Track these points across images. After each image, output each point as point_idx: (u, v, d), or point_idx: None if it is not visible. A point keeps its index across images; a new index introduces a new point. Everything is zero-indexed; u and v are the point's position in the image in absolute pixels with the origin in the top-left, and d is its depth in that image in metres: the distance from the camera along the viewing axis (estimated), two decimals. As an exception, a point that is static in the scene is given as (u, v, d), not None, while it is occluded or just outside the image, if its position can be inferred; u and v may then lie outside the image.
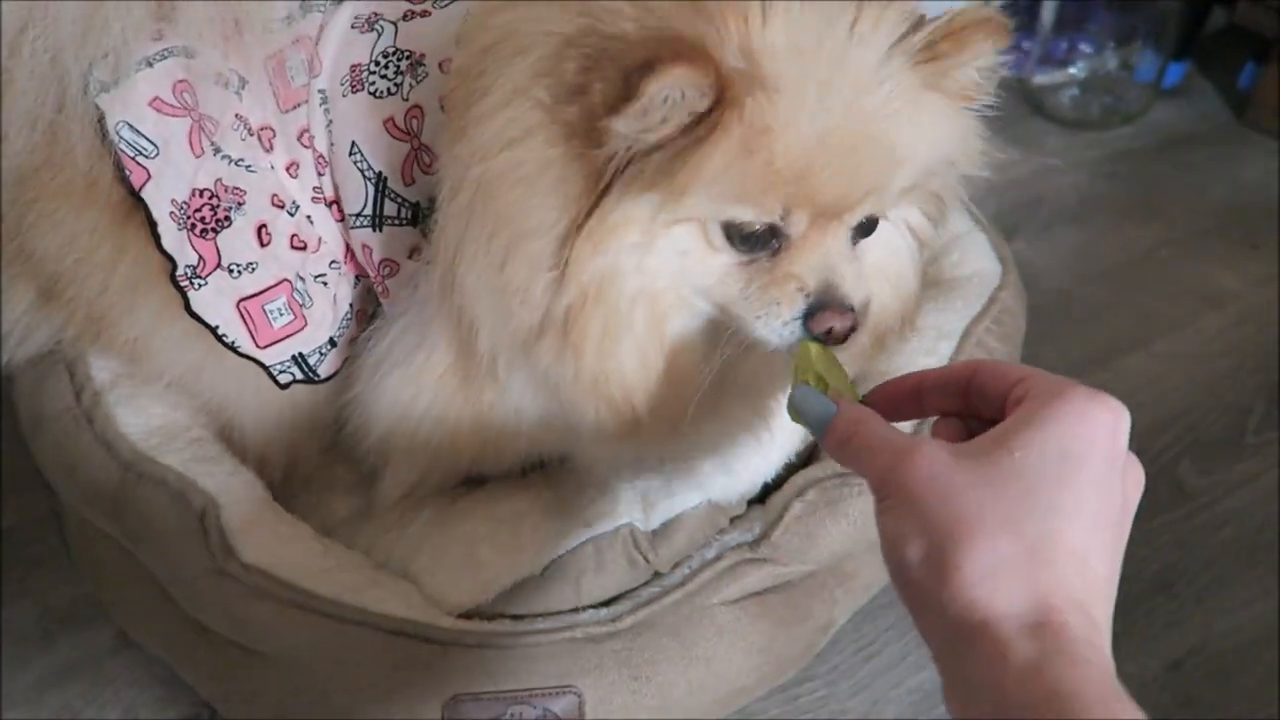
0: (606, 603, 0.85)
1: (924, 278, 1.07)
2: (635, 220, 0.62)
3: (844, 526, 0.84)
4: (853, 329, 0.64)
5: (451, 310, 0.69)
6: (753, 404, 0.78)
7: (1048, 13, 1.71)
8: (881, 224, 0.71)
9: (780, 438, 0.89)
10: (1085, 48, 1.74)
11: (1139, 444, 1.19)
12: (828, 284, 0.64)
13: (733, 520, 0.88)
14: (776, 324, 0.65)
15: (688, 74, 0.57)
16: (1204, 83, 1.84)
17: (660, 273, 0.65)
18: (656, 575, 0.86)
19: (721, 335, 0.68)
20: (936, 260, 1.08)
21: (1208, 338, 1.34)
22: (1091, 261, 1.46)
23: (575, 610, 0.84)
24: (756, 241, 0.64)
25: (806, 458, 0.91)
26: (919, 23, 0.63)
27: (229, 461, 0.84)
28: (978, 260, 1.07)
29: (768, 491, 0.89)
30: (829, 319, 0.64)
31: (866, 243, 0.70)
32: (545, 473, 0.91)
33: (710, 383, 0.72)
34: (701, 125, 0.59)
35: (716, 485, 0.86)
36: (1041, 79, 1.77)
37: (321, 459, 0.96)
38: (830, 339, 0.64)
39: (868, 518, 0.85)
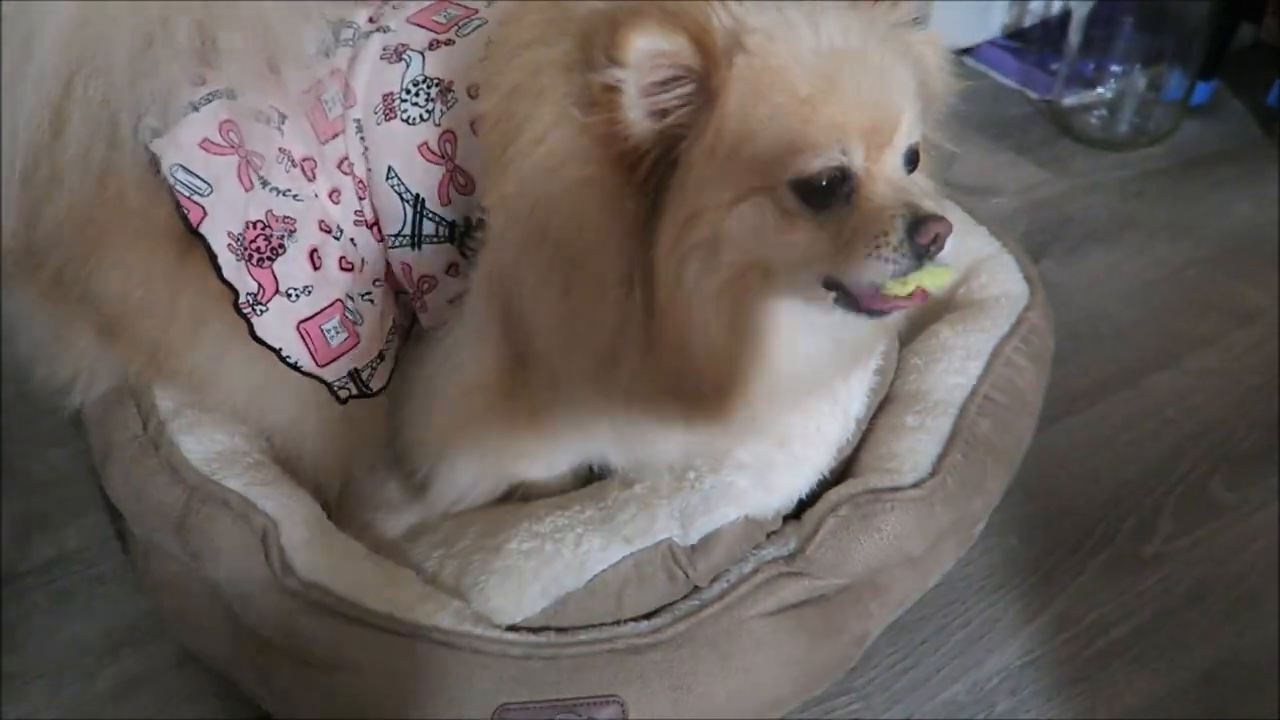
0: (647, 615, 0.88)
1: (953, 300, 1.11)
2: (700, 213, 0.67)
3: (877, 541, 0.87)
4: (949, 229, 0.68)
5: (505, 329, 0.73)
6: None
7: (1075, 34, 1.73)
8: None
9: (813, 455, 0.92)
10: (1113, 68, 1.76)
11: (1169, 462, 1.21)
12: (914, 201, 0.69)
13: (769, 535, 0.91)
14: (889, 252, 0.68)
15: (660, 30, 0.64)
16: (1232, 100, 1.86)
17: (737, 261, 0.69)
18: (695, 589, 0.89)
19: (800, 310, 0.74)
20: (965, 282, 1.11)
21: (1236, 354, 1.35)
22: (1120, 281, 1.48)
23: (617, 623, 0.88)
24: (829, 193, 0.68)
25: (840, 474, 0.94)
26: None
27: (286, 484, 0.88)
28: (1005, 282, 1.10)
29: (803, 507, 0.92)
30: (934, 227, 0.67)
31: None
32: (587, 491, 0.94)
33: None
34: (710, 91, 0.66)
35: (753, 501, 0.90)
36: (1070, 100, 1.80)
37: (373, 478, 1.00)
38: (936, 245, 0.68)
39: (900, 532, 0.88)
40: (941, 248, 0.68)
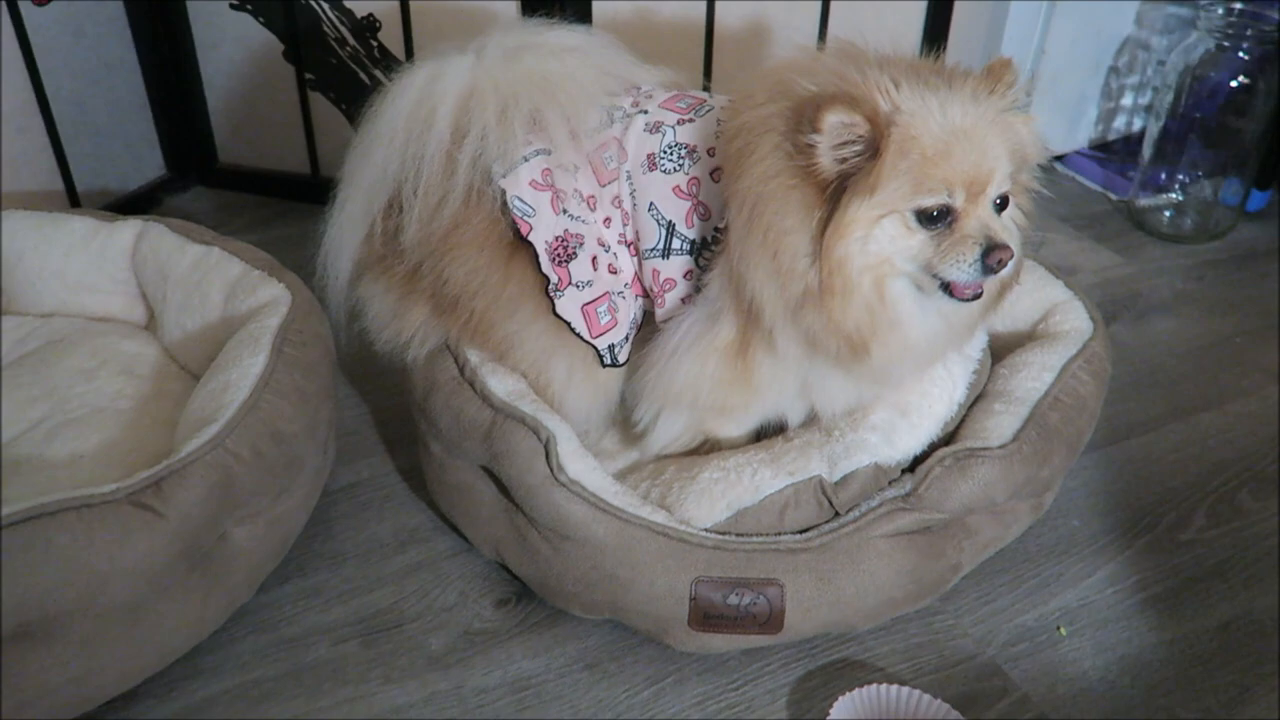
0: (800, 531, 1.22)
1: (1034, 333, 1.46)
2: (858, 220, 1.05)
3: (971, 485, 1.19)
4: (1011, 256, 1.06)
5: (739, 300, 1.11)
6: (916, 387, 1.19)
7: (1148, 148, 2.08)
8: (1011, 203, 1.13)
9: (926, 424, 1.26)
10: (1181, 177, 2.10)
11: (1207, 477, 1.56)
12: (990, 235, 1.06)
13: (891, 482, 1.25)
14: (964, 266, 1.06)
15: (845, 110, 1.01)
16: (1284, 207, 2.18)
17: (878, 253, 1.07)
18: (836, 514, 1.22)
19: (917, 295, 1.11)
20: (1044, 320, 1.45)
21: (1271, 404, 1.65)
22: (1178, 343, 1.80)
23: (779, 534, 1.22)
24: (936, 219, 1.06)
25: (945, 441, 1.27)
26: (979, 77, 1.09)
27: (556, 415, 1.25)
28: (1075, 320, 1.43)
29: (916, 463, 1.25)
30: (998, 254, 1.05)
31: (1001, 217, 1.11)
32: (760, 444, 1.30)
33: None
34: (874, 148, 1.03)
35: (881, 453, 1.24)
36: (1144, 201, 2.14)
37: (595, 433, 1.37)
38: (999, 267, 1.06)
39: (988, 480, 1.20)
40: (1005, 267, 1.06)
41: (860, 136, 1.04)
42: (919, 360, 1.19)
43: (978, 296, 1.10)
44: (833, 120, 1.02)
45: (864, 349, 1.11)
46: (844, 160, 1.05)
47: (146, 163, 2.13)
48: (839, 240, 1.05)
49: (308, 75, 2.02)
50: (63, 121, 1.88)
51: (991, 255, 1.05)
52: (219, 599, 1.20)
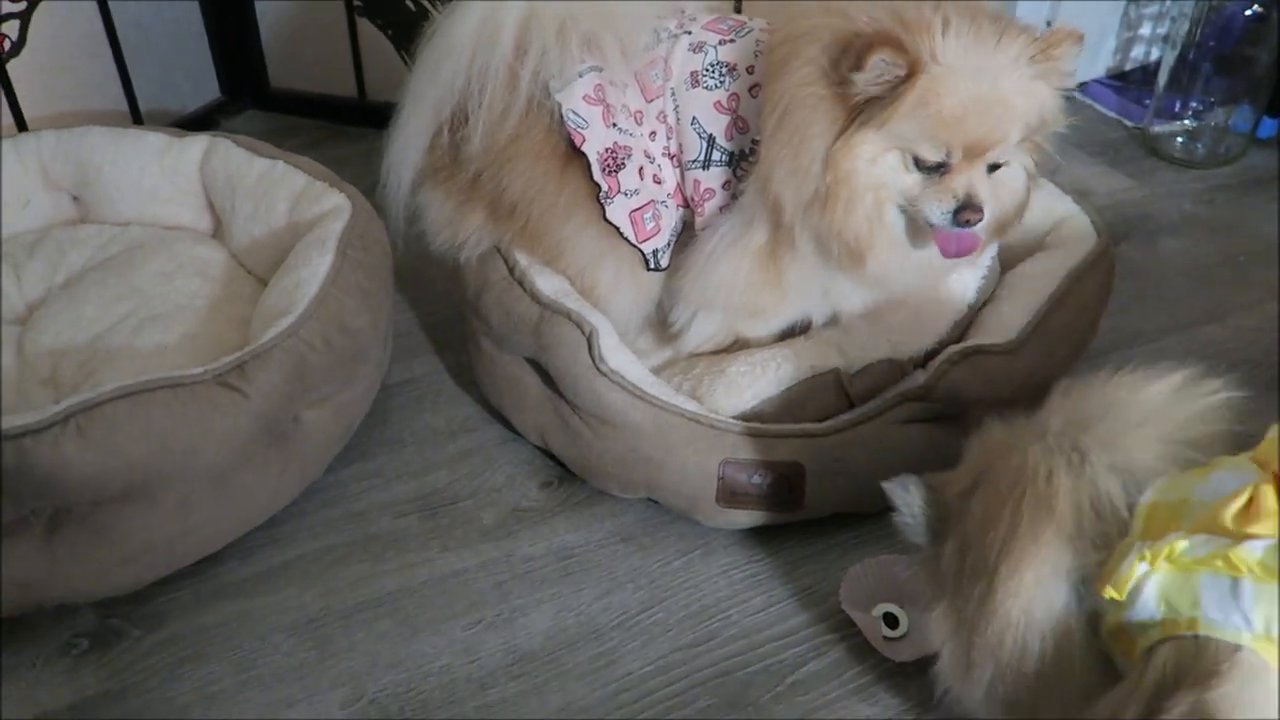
0: (820, 419, 1.34)
1: (1044, 243, 1.55)
2: (868, 143, 1.14)
3: (978, 379, 1.30)
4: (980, 219, 1.15)
5: (768, 203, 1.21)
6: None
7: (1164, 76, 2.15)
8: (1007, 165, 1.21)
9: (938, 324, 1.37)
10: (1195, 104, 2.16)
11: None
12: (969, 194, 1.15)
13: (904, 376, 1.36)
14: (939, 211, 1.16)
15: (891, 53, 1.09)
16: (1294, 134, 2.24)
17: (880, 178, 1.17)
18: (852, 405, 1.34)
19: (910, 221, 1.21)
20: (1053, 230, 1.55)
21: (1269, 318, 1.74)
22: (1184, 262, 1.88)
23: (799, 423, 1.33)
24: (931, 170, 1.16)
25: (955, 339, 1.38)
26: (1036, 38, 1.14)
27: (597, 312, 1.36)
28: (1081, 230, 1.52)
29: (929, 357, 1.36)
30: (967, 213, 1.15)
31: (998, 174, 1.20)
32: (784, 341, 1.41)
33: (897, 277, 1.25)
34: (900, 86, 1.11)
35: (895, 349, 1.35)
36: (1158, 128, 2.21)
37: (632, 333, 1.48)
38: (966, 225, 1.16)
39: (992, 376, 1.31)
40: (972, 225, 1.16)
41: (896, 76, 1.11)
42: (923, 276, 1.30)
43: (961, 255, 1.21)
44: (876, 61, 1.09)
45: (860, 258, 1.21)
46: (875, 88, 1.12)
47: (203, 86, 2.24)
48: (845, 156, 1.15)
49: (356, 2, 2.11)
50: (127, 45, 1.99)
51: (962, 213, 1.15)
52: (293, 475, 1.33)
